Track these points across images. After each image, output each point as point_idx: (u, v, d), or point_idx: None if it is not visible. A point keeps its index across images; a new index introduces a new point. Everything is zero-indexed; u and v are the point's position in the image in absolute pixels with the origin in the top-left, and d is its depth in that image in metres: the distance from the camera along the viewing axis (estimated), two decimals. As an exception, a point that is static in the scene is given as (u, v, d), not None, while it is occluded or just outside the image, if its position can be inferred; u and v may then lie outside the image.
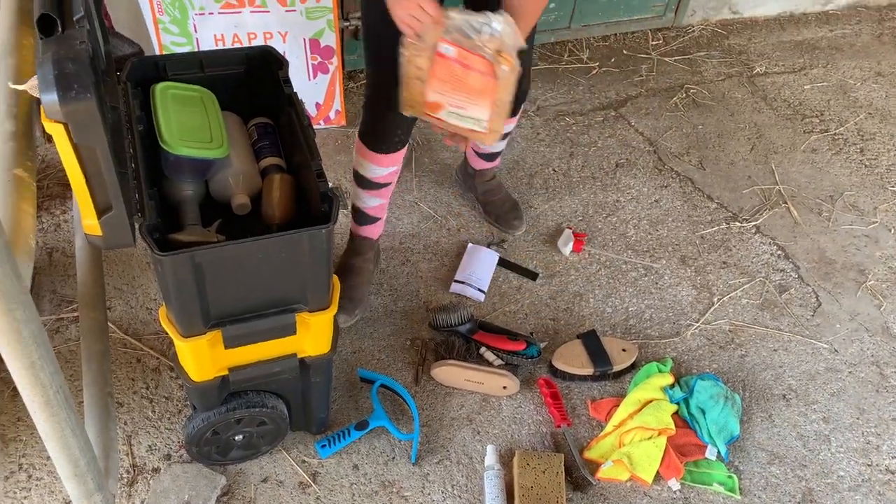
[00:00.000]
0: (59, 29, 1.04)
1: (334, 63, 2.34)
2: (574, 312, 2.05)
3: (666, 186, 2.44)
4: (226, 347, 1.39)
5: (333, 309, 1.42)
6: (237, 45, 2.26)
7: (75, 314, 1.89)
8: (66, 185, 2.16)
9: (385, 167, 1.81)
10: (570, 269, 2.16)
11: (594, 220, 2.30)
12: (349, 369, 1.86)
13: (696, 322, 2.06)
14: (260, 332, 1.40)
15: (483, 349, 1.86)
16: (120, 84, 1.47)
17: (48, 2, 1.04)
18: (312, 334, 1.45)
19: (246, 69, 1.60)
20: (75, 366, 1.80)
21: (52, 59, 0.97)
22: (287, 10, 2.24)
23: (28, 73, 1.30)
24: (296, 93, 1.51)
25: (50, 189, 2.17)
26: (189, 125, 1.47)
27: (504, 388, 1.82)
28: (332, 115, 2.43)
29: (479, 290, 2.04)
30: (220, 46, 2.23)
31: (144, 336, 1.88)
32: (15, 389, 1.74)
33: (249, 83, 1.63)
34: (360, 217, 1.93)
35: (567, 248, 2.17)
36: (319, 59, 2.33)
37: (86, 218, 1.12)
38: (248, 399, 1.54)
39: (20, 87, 1.05)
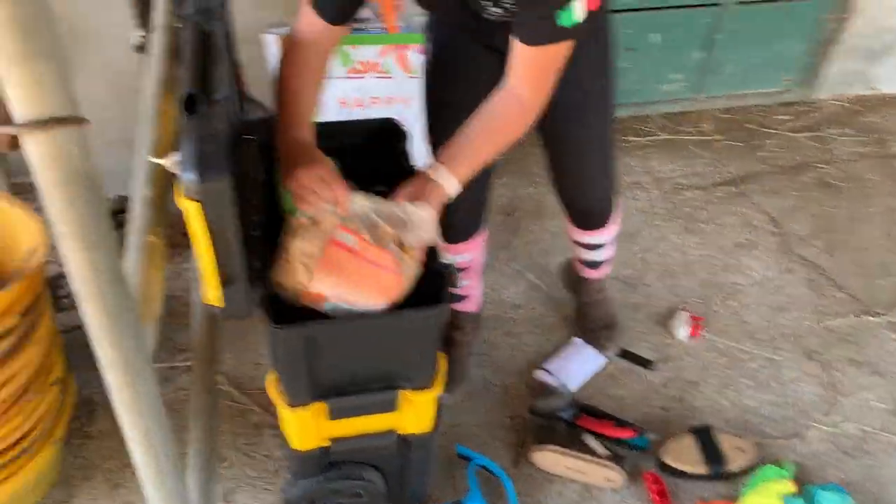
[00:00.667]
0: (203, 107, 1.08)
1: (452, 128, 2.35)
2: (686, 402, 1.94)
3: (790, 271, 2.30)
4: (330, 419, 1.38)
5: (437, 389, 1.39)
6: (359, 109, 2.32)
7: (187, 363, 1.94)
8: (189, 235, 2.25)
9: (461, 254, 1.77)
10: (683, 355, 2.05)
11: (711, 302, 2.19)
12: (447, 443, 1.81)
13: (820, 424, 1.90)
14: (363, 406, 1.38)
15: (587, 436, 1.78)
16: (250, 149, 1.52)
17: (193, 80, 1.09)
18: (415, 412, 1.42)
19: (367, 139, 1.63)
20: (183, 416, 1.84)
21: (193, 138, 1.00)
22: (410, 77, 2.28)
23: (168, 141, 1.36)
24: (414, 166, 1.51)
25: (174, 238, 2.26)
26: (310, 193, 1.50)
27: (608, 480, 1.72)
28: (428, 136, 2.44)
29: (564, 385, 1.94)
30: (344, 109, 2.29)
31: (250, 390, 1.91)
32: (125, 434, 1.79)
33: (369, 151, 1.65)
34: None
35: (682, 332, 2.07)
36: (437, 125, 2.35)
37: (208, 287, 1.14)
38: (347, 471, 1.52)
39: (161, 163, 1.09)
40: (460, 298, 1.90)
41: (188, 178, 0.99)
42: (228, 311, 1.15)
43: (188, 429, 1.56)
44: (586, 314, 2.06)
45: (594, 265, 1.96)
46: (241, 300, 1.14)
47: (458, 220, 1.71)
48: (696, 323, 2.09)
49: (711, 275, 2.28)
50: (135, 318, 0.91)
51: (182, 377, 1.92)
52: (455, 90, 1.58)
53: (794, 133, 2.84)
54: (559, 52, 1.22)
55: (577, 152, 1.65)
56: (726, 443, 1.80)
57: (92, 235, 0.81)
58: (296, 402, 1.34)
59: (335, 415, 1.37)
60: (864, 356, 2.06)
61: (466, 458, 1.77)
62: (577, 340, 2.05)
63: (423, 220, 1.22)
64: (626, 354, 2.03)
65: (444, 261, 1.31)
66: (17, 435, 1.41)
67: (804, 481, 1.78)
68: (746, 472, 1.78)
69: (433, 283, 1.32)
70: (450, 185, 1.28)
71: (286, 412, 1.34)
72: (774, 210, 2.51)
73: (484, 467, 1.75)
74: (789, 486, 1.72)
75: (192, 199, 1.01)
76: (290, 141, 1.27)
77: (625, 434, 1.76)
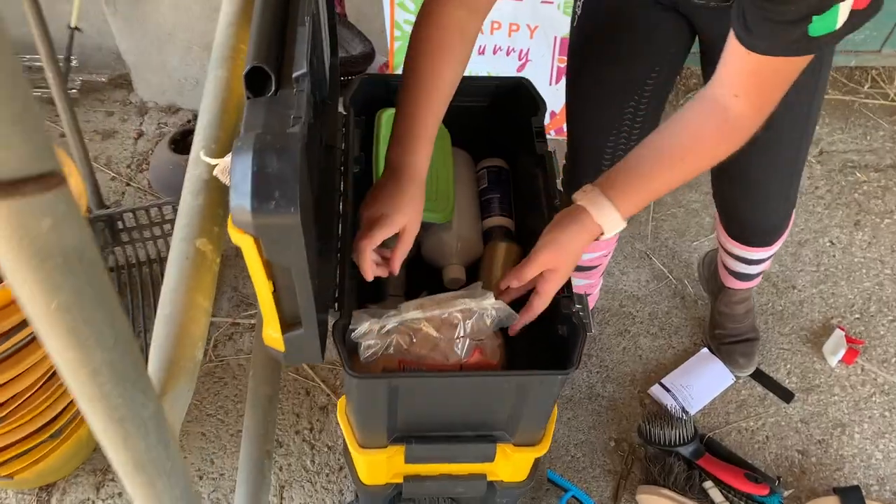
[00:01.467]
0: (273, 87, 0.76)
1: (584, 69, 1.95)
2: (831, 449, 1.60)
3: (981, 293, 1.87)
4: (406, 462, 1.12)
5: (544, 448, 1.10)
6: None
7: (251, 321, 1.71)
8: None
9: (591, 252, 1.43)
10: (833, 386, 1.69)
11: (875, 321, 1.80)
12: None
13: None
14: (449, 455, 1.11)
15: (709, 484, 1.47)
16: (342, 108, 1.19)
17: (265, 49, 0.76)
18: (511, 464, 1.15)
19: (491, 102, 1.28)
20: (240, 384, 1.63)
21: (252, 147, 0.69)
22: (542, 1, 1.87)
23: (239, 87, 1.05)
24: (551, 152, 1.17)
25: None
26: (412, 172, 1.18)
27: (726, 540, 1.44)
28: (566, 126, 2.06)
29: (684, 409, 1.62)
30: (458, 34, 1.91)
31: (320, 365, 1.67)
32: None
33: (490, 116, 1.31)
34: None
35: (835, 358, 1.70)
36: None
37: (267, 327, 0.86)
38: (419, 504, 1.28)
39: (211, 163, 0.79)
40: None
41: (239, 204, 0.69)
42: (290, 357, 0.88)
43: (244, 402, 1.35)
44: (720, 327, 1.70)
45: (744, 278, 1.59)
46: (306, 348, 0.86)
47: None
48: (853, 347, 1.72)
49: (879, 285, 1.87)
50: (153, 413, 0.64)
51: (244, 337, 1.70)
52: (609, 59, 1.20)
53: None
54: (799, 66, 0.82)
55: (760, 163, 1.22)
56: (879, 514, 1.48)
57: (83, 330, 0.53)
58: (368, 444, 1.08)
59: (414, 460, 1.11)
60: None
61: (558, 486, 1.51)
62: (705, 352, 1.71)
63: (486, 311, 0.95)
64: (762, 378, 1.69)
65: (577, 307, 0.98)
66: (42, 421, 1.21)
67: (970, 574, 1.45)
68: (898, 552, 1.47)
69: (560, 327, 1.01)
70: (611, 224, 0.93)
71: (356, 454, 1.09)
72: (968, 208, 2.04)
73: (578, 500, 1.48)
74: (952, 582, 1.39)
75: (245, 233, 0.71)
76: (396, 162, 0.94)
77: (757, 491, 1.45)
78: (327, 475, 1.52)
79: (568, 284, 1.02)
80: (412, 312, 0.93)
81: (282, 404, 1.61)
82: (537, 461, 1.19)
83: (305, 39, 0.78)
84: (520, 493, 1.24)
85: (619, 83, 1.20)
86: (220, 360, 1.67)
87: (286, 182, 0.68)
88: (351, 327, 0.92)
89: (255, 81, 0.76)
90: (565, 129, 1.43)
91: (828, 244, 1.94)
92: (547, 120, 2.07)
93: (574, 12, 1.23)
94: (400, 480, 1.19)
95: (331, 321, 0.96)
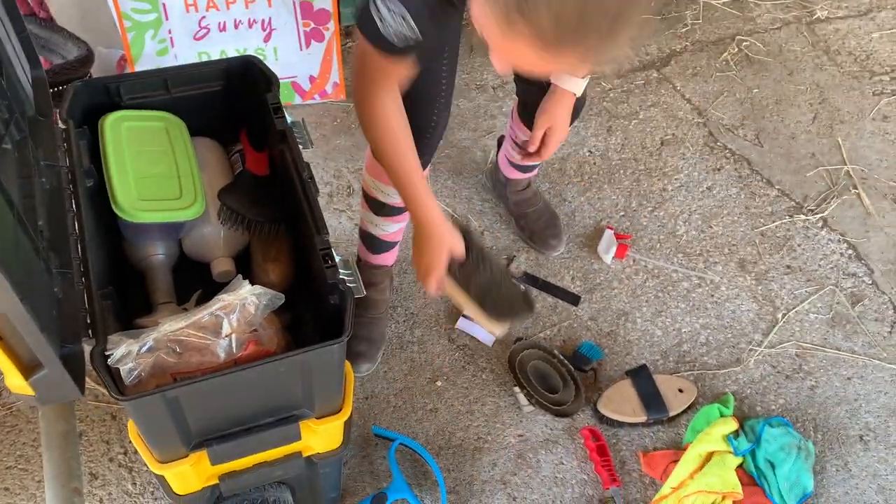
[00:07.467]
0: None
1: (331, 28, 1.95)
2: (619, 337, 1.77)
3: (719, 169, 2.11)
4: (213, 464, 1.12)
5: (346, 412, 1.14)
6: (212, 11, 1.86)
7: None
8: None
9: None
10: (612, 281, 1.86)
11: (638, 215, 1.98)
12: (362, 421, 1.59)
13: (760, 346, 1.78)
14: (255, 446, 1.12)
15: (516, 389, 1.58)
16: (60, 119, 1.12)
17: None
18: (320, 436, 1.17)
19: (224, 85, 1.25)
20: (37, 427, 1.53)
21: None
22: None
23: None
24: (291, 126, 1.16)
25: None
26: (151, 174, 1.14)
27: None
28: (328, 88, 2.06)
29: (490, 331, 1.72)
30: (191, 14, 1.83)
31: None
32: None
33: (229, 99, 1.28)
34: (375, 245, 1.60)
35: (609, 255, 1.87)
36: (313, 25, 1.93)
37: (9, 376, 0.81)
38: (246, 497, 1.28)
39: None
40: (390, 246, 1.61)
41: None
42: (45, 398, 0.83)
43: (40, 447, 1.28)
44: (523, 217, 1.89)
45: (525, 169, 1.79)
46: (59, 384, 0.82)
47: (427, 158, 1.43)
48: (623, 242, 1.89)
49: (636, 181, 2.05)
50: None
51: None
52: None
53: (713, 0, 2.56)
54: None
55: None
56: (666, 385, 1.66)
57: None
58: (167, 458, 1.06)
59: (219, 460, 1.11)
60: (799, 262, 1.93)
61: (385, 438, 1.56)
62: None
63: (246, 300, 0.97)
64: (549, 288, 1.82)
65: (342, 274, 1.01)
66: None
67: (745, 413, 1.68)
68: (687, 411, 1.66)
69: (328, 295, 1.03)
70: (577, 86, 1.33)
71: (158, 470, 1.07)
72: (698, 96, 2.27)
73: (406, 446, 1.55)
74: (732, 424, 1.61)
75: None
76: (418, 220, 1.24)
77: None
78: (152, 492, 1.48)
79: (331, 255, 1.04)
80: (169, 324, 0.91)
81: (88, 435, 1.53)
82: (348, 424, 1.23)
83: None
84: (340, 457, 1.27)
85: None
86: (7, 407, 1.55)
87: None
88: (107, 352, 0.88)
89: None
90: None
91: (587, 154, 2.10)
92: (307, 86, 2.06)
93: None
94: (215, 481, 1.18)
95: (88, 349, 0.92)
